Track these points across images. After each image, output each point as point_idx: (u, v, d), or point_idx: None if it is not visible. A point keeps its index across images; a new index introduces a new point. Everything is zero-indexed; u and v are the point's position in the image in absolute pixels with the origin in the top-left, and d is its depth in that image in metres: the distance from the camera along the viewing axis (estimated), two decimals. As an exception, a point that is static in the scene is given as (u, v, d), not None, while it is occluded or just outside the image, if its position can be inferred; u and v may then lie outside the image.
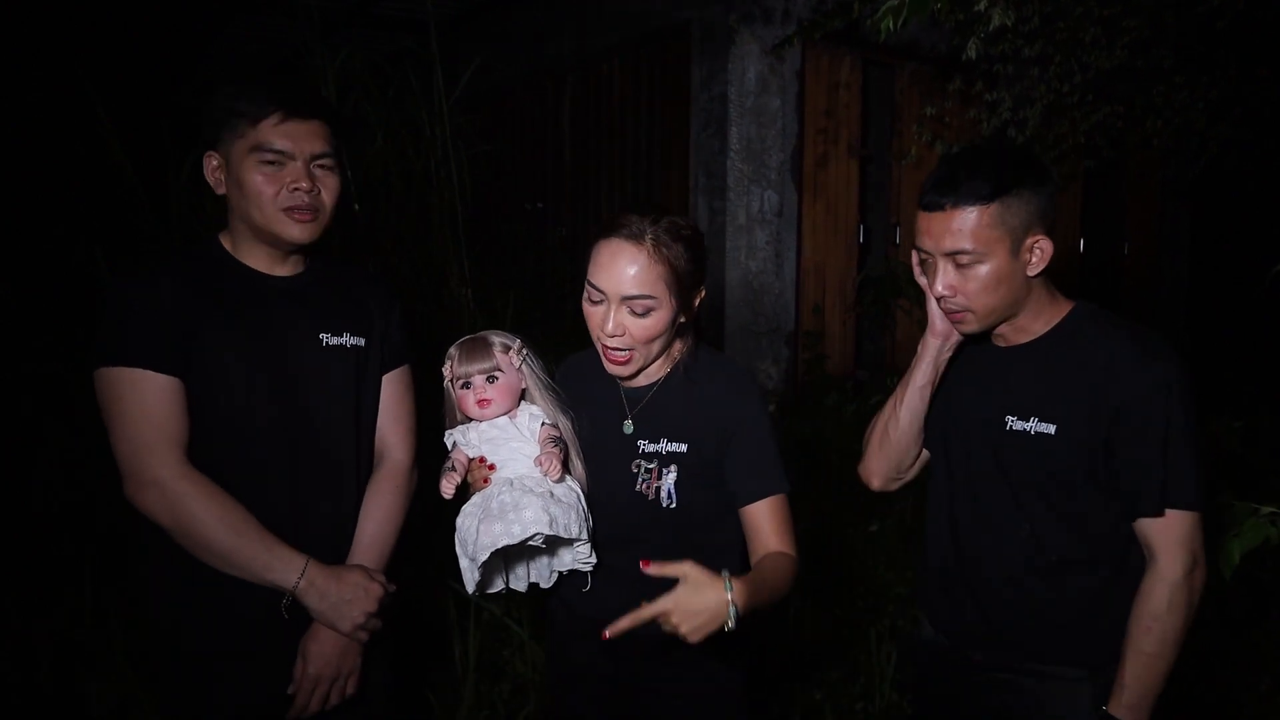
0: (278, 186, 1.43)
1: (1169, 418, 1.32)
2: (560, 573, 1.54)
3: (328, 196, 1.48)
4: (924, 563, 1.62)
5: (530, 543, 1.38)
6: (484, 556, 1.35)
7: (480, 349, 1.47)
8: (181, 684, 1.47)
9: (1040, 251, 1.39)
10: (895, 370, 5.05)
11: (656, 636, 1.48)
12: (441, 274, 4.43)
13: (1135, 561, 1.38)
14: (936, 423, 1.57)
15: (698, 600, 1.21)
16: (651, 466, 1.47)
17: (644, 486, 1.47)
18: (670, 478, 1.46)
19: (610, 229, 1.42)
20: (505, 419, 1.46)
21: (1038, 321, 1.45)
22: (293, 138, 1.43)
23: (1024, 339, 1.46)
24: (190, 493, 1.39)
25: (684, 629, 1.21)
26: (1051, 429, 1.38)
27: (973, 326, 1.42)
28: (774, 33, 4.71)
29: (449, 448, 1.48)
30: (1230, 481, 3.88)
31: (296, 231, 1.46)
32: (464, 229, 4.42)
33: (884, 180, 5.58)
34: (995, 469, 1.45)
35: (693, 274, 1.44)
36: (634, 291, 1.39)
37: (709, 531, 1.50)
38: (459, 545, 1.42)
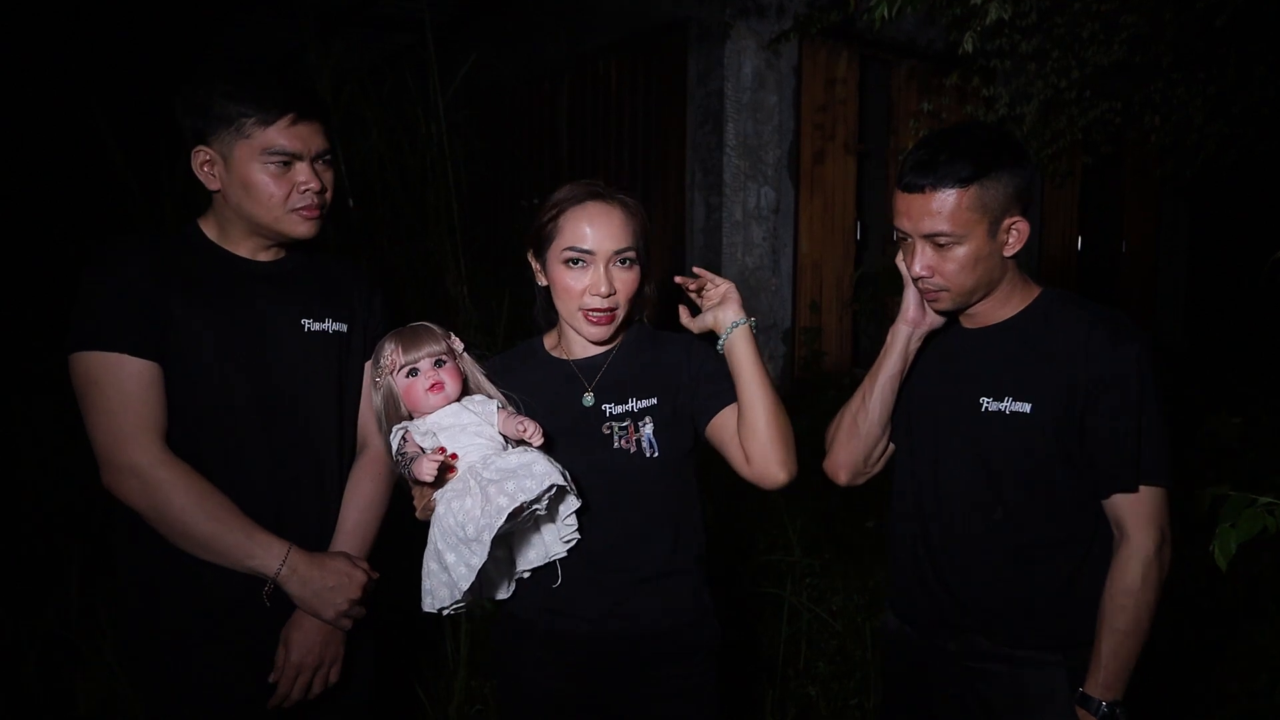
0: (288, 188, 1.44)
1: (1142, 396, 1.34)
2: (523, 577, 1.46)
3: (329, 189, 1.50)
4: (892, 553, 1.60)
5: (536, 508, 1.31)
6: (500, 520, 1.25)
7: (423, 334, 1.43)
8: (159, 670, 1.46)
9: (1017, 233, 1.39)
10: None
11: (631, 651, 1.46)
12: (437, 272, 4.43)
13: (1103, 542, 1.39)
14: (901, 409, 1.55)
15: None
16: (625, 424, 1.46)
17: (623, 442, 1.46)
18: (648, 429, 1.46)
19: (578, 198, 1.45)
20: (457, 406, 1.40)
21: (1009, 304, 1.45)
22: (302, 139, 1.43)
23: (994, 321, 1.46)
24: (169, 479, 1.37)
25: (723, 298, 1.46)
26: (1027, 408, 1.38)
27: (946, 305, 1.44)
28: (770, 28, 4.70)
29: (394, 444, 1.39)
30: (1228, 476, 3.88)
31: (305, 229, 1.48)
32: (460, 227, 4.41)
33: (881, 176, 5.58)
34: (968, 452, 1.44)
35: (650, 236, 1.51)
36: (621, 245, 1.44)
37: (681, 484, 1.51)
38: (444, 538, 1.31)
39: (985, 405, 1.42)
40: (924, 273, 1.39)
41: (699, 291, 1.51)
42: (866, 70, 5.24)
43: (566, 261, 1.44)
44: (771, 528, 3.24)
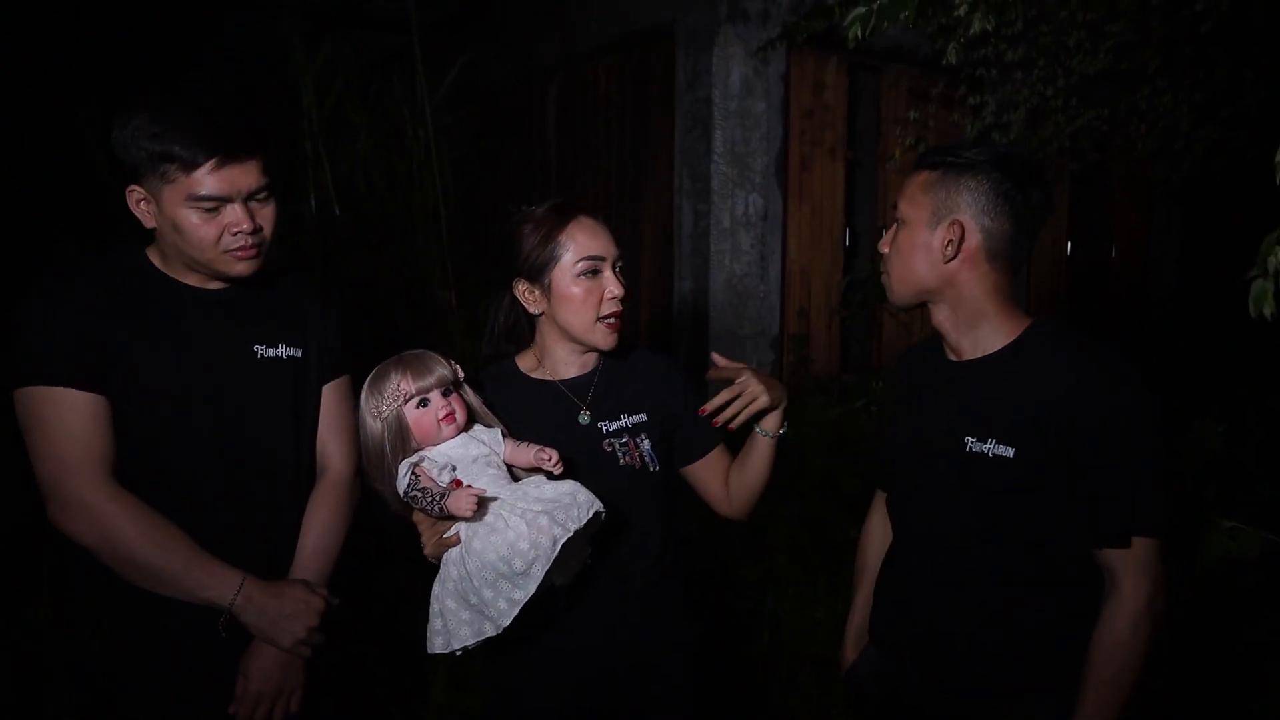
0: (218, 230, 1.39)
1: (1133, 443, 1.28)
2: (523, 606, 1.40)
3: (267, 227, 1.45)
4: (880, 583, 1.58)
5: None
6: (556, 551, 1.21)
7: (428, 361, 1.37)
8: (116, 704, 1.44)
9: (953, 238, 1.37)
10: (882, 373, 5.04)
11: (630, 660, 1.50)
12: (424, 276, 4.41)
13: (1094, 586, 1.34)
14: (894, 441, 1.53)
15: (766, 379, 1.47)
16: (624, 440, 1.52)
17: (628, 458, 1.51)
18: (646, 444, 1.53)
19: (567, 215, 1.49)
20: (465, 436, 1.37)
21: (995, 336, 1.40)
22: (230, 181, 1.37)
23: (979, 354, 1.41)
24: (117, 512, 1.35)
25: (757, 392, 1.43)
26: (1010, 452, 1.32)
27: (888, 288, 1.45)
28: (757, 34, 4.70)
29: (404, 481, 1.33)
30: (1214, 484, 3.88)
31: (241, 268, 1.44)
32: (447, 230, 4.39)
33: (870, 183, 5.57)
34: (955, 492, 1.40)
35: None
36: (618, 250, 1.51)
37: (669, 494, 1.59)
38: (480, 574, 1.23)
39: (970, 445, 1.36)
40: (881, 247, 1.46)
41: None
42: (855, 77, 5.24)
43: (583, 273, 1.46)
44: (753, 536, 3.24)
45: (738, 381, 1.45)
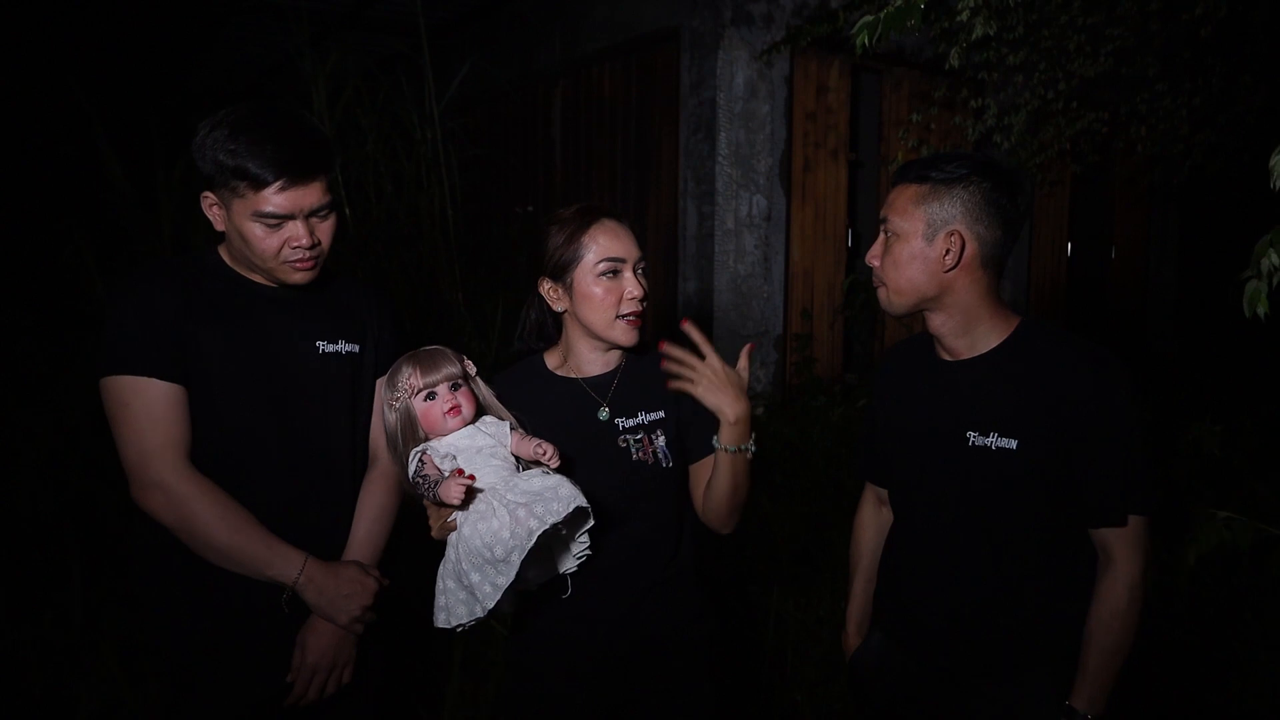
0: (279, 243, 1.48)
1: (1126, 429, 1.36)
2: (529, 590, 1.48)
3: (325, 240, 1.54)
4: (884, 573, 1.65)
5: (560, 529, 1.33)
6: (531, 543, 1.27)
7: (439, 358, 1.45)
8: (180, 674, 1.53)
9: (953, 248, 1.41)
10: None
11: (641, 653, 1.55)
12: (432, 277, 4.47)
13: (1088, 564, 1.44)
14: (890, 440, 1.59)
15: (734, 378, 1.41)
16: (639, 437, 1.55)
17: (641, 454, 1.54)
18: (661, 441, 1.56)
19: (591, 216, 1.54)
20: (471, 428, 1.43)
21: (986, 335, 1.47)
22: (294, 200, 1.46)
23: (974, 353, 1.48)
24: (193, 494, 1.45)
25: (700, 377, 1.39)
26: (1013, 444, 1.39)
27: (885, 299, 1.49)
28: (761, 37, 4.75)
29: (412, 467, 1.40)
30: (1210, 484, 3.92)
31: (298, 278, 1.53)
32: (454, 232, 4.45)
33: (872, 184, 5.63)
34: (955, 485, 1.46)
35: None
36: (640, 253, 1.55)
37: (684, 493, 1.60)
38: (469, 558, 1.31)
39: (972, 439, 1.43)
40: (871, 261, 1.48)
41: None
42: (857, 80, 5.29)
43: (604, 273, 1.51)
44: (757, 533, 3.28)
45: (705, 362, 1.40)
